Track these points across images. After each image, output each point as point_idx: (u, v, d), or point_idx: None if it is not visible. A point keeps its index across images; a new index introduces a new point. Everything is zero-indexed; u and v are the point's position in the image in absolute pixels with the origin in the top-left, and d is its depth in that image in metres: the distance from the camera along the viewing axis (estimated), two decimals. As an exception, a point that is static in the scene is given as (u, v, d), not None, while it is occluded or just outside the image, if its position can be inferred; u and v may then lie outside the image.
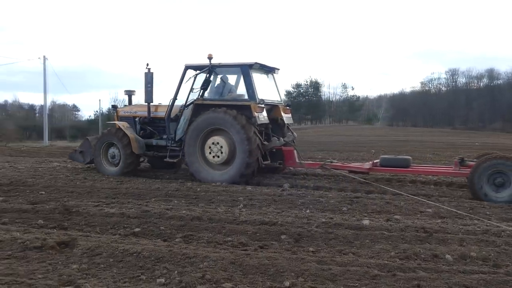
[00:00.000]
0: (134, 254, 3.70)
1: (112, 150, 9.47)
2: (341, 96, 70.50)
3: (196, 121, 8.64)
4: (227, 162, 8.43)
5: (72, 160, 11.11)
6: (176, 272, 3.35)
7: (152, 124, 9.71)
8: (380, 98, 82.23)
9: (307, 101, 66.14)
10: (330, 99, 71.00)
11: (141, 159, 9.91)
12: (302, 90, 67.31)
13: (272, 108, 9.23)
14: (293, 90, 67.02)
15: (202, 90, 8.84)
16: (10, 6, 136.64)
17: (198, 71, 8.98)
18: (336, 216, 5.32)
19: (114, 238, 4.29)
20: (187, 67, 9.11)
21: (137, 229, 4.43)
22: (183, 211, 5.45)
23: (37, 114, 56.85)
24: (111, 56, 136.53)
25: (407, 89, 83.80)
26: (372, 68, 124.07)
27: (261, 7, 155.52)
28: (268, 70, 9.51)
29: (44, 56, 34.66)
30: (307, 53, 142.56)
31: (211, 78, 9.00)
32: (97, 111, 58.69)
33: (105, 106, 61.71)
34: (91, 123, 52.19)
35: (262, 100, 8.54)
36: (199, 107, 8.74)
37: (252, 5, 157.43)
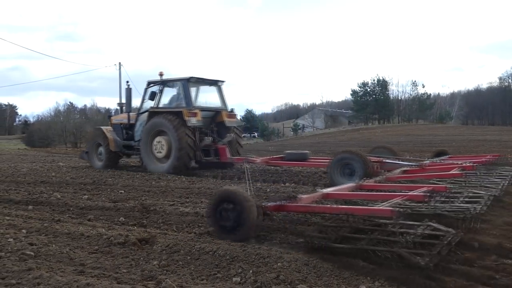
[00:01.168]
0: (210, 253, 3.82)
1: (100, 149, 12.07)
2: (410, 94, 67.56)
3: (147, 125, 10.91)
4: (167, 157, 10.47)
5: (82, 159, 13.38)
6: (251, 271, 3.41)
7: (131, 129, 11.89)
8: (453, 96, 77.83)
9: (374, 100, 64.18)
10: (399, 98, 68.35)
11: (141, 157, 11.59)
12: (368, 89, 65.45)
13: (216, 113, 11.34)
14: (359, 89, 65.38)
15: (158, 100, 11.09)
16: (90, 18, 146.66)
17: (151, 85, 11.42)
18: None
19: (190, 237, 4.46)
20: (149, 82, 11.52)
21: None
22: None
23: (113, 118, 60.48)
24: (178, 61, 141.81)
25: (484, 85, 78.75)
26: (444, 64, 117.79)
27: (325, 5, 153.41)
28: (211, 82, 11.60)
29: (119, 63, 37.01)
30: (373, 50, 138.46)
31: (163, 91, 11.23)
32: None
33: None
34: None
35: (194, 107, 10.54)
36: (153, 114, 10.88)
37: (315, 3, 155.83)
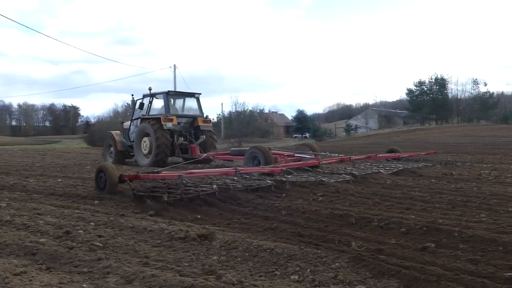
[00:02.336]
0: (267, 250, 3.87)
1: (111, 149, 15.09)
2: (471, 93, 64.11)
3: (137, 128, 14.02)
4: (149, 153, 13.34)
5: (103, 158, 15.72)
6: (308, 270, 3.42)
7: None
8: (518, 94, 73.00)
9: (431, 100, 61.53)
10: (458, 97, 65.11)
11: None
12: (425, 88, 62.88)
13: (194, 119, 14.36)
14: (415, 88, 62.99)
15: (147, 109, 14.13)
16: (146, 22, 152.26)
17: (144, 97, 14.52)
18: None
19: (247, 234, 4.55)
20: (143, 95, 14.61)
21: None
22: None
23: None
24: (230, 62, 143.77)
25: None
26: (507, 61, 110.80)
27: (379, 2, 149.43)
28: (189, 94, 14.88)
29: (174, 65, 38.09)
30: (430, 47, 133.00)
31: (153, 101, 14.29)
32: (219, 114, 62.34)
33: (227, 109, 65.24)
34: (214, 126, 55.62)
35: (170, 114, 13.55)
36: (142, 120, 13.92)
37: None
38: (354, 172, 8.91)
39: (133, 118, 14.77)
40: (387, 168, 9.81)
